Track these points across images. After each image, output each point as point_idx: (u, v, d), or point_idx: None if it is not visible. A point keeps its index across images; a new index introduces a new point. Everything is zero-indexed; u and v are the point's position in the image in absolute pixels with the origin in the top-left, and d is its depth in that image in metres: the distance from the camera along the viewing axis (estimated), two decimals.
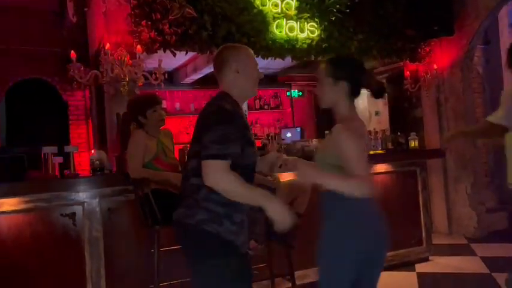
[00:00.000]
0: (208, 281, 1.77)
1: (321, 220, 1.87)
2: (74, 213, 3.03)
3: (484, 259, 4.23)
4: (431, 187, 5.30)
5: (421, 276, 3.88)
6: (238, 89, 1.87)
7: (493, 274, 3.78)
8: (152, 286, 2.77)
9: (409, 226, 4.22)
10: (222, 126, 1.70)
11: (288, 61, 4.89)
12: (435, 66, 5.21)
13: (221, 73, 1.89)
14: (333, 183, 1.75)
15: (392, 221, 4.23)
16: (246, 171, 1.80)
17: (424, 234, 4.25)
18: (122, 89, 3.64)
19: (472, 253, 4.48)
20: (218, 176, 1.66)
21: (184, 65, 6.10)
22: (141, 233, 3.03)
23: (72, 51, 3.58)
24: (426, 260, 4.25)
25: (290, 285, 3.09)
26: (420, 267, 4.08)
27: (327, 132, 4.51)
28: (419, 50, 5.18)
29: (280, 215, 1.71)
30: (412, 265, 4.12)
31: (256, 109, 7.28)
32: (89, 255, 3.03)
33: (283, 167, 2.07)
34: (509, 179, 2.82)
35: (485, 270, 3.91)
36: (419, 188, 4.30)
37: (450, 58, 5.24)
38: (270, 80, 7.26)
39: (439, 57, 5.30)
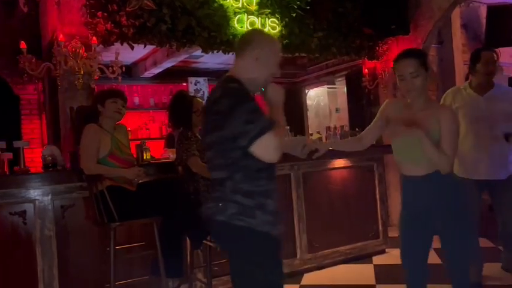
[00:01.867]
0: (247, 276, 1.70)
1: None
2: (24, 212, 2.89)
3: (438, 251, 4.37)
4: (388, 182, 5.46)
5: (377, 268, 3.98)
6: (250, 76, 1.76)
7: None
8: (108, 285, 2.69)
9: (366, 220, 4.33)
10: (243, 106, 1.61)
11: None
12: (392, 64, 5.35)
13: (240, 54, 1.80)
14: (437, 154, 2.02)
15: (350, 214, 4.38)
16: None
17: (380, 227, 4.37)
18: (76, 82, 3.51)
19: None
20: (277, 146, 1.60)
21: (144, 59, 5.97)
22: (96, 231, 2.95)
23: (22, 42, 3.42)
24: (383, 252, 4.38)
25: None
26: (377, 260, 4.19)
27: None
28: (377, 48, 5.32)
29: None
30: (369, 257, 4.23)
31: None
32: (40, 255, 2.90)
33: (314, 154, 2.09)
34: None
35: (438, 261, 4.06)
36: (376, 183, 4.41)
37: None
38: None
39: (396, 55, 5.44)
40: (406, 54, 2.22)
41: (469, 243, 2.24)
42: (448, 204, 2.13)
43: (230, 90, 1.67)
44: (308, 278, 3.82)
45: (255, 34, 1.90)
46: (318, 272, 3.96)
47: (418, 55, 2.19)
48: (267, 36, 1.88)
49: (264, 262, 1.70)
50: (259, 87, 1.81)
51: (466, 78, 3.34)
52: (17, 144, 3.15)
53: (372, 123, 2.39)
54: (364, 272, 3.91)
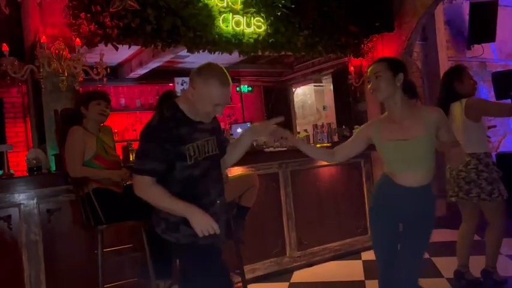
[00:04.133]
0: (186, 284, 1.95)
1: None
2: (9, 216, 2.85)
3: None
4: (375, 178, 5.50)
5: (366, 263, 4.02)
6: (191, 107, 1.87)
7: (432, 258, 4.00)
8: None
9: (354, 216, 4.36)
10: (142, 142, 1.82)
11: (236, 56, 4.87)
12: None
13: (189, 82, 1.86)
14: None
15: (338, 211, 4.40)
16: (188, 184, 1.84)
17: (369, 223, 4.40)
18: (60, 84, 3.47)
19: None
20: (140, 189, 1.80)
21: (129, 59, 5.92)
22: (83, 234, 2.92)
23: (4, 44, 3.36)
24: (371, 248, 4.40)
25: (240, 279, 3.10)
26: (366, 255, 4.23)
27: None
28: (362, 45, 5.34)
29: (201, 225, 1.79)
30: (358, 253, 4.27)
31: None
32: (27, 260, 2.87)
33: (283, 141, 2.14)
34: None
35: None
36: (364, 179, 4.45)
37: (391, 54, 5.43)
38: None
39: (381, 53, 5.49)
40: (377, 59, 2.26)
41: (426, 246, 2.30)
42: (425, 211, 2.23)
43: (148, 124, 1.84)
44: (298, 276, 3.83)
45: (196, 72, 1.84)
46: (307, 269, 3.99)
47: (387, 59, 2.22)
48: (212, 74, 1.80)
49: (195, 272, 1.90)
50: (201, 118, 1.89)
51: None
52: (0, 148, 3.11)
53: (348, 142, 2.37)
54: (353, 268, 3.94)
